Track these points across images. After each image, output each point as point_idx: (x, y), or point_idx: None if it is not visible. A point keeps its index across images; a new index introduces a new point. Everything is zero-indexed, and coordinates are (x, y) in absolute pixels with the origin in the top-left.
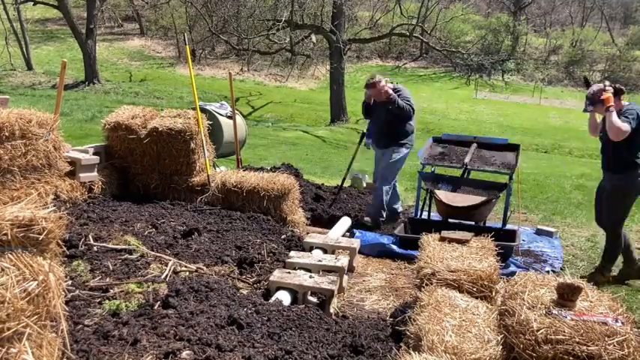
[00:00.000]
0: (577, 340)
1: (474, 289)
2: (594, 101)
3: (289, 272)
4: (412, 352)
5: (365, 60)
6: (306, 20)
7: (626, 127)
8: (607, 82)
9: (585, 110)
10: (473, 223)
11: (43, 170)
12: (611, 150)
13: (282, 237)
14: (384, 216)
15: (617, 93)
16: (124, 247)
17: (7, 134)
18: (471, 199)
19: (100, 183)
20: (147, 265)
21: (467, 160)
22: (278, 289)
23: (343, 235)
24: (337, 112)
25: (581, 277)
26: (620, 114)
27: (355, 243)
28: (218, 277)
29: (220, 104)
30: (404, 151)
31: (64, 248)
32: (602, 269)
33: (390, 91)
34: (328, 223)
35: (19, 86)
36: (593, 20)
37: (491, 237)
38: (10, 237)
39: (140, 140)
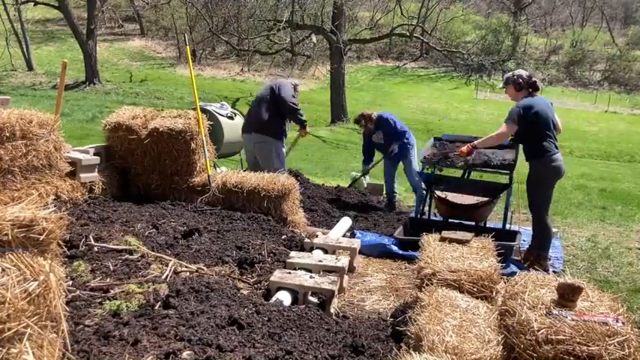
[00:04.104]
0: (578, 340)
1: (475, 290)
2: (506, 82)
3: (290, 272)
4: (413, 353)
5: (365, 60)
6: (307, 20)
7: (500, 133)
8: (521, 71)
9: (501, 88)
10: (473, 223)
11: (43, 171)
12: (521, 141)
13: (283, 237)
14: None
15: (531, 86)
16: (124, 247)
17: (7, 135)
18: (472, 199)
19: (101, 183)
20: (147, 266)
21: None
22: (278, 289)
23: (344, 236)
24: (337, 112)
25: (523, 261)
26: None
27: (356, 243)
28: (218, 278)
29: (221, 104)
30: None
31: (65, 248)
32: (539, 258)
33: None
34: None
35: (19, 87)
36: (594, 20)
37: (491, 237)
38: (10, 237)
39: (141, 141)
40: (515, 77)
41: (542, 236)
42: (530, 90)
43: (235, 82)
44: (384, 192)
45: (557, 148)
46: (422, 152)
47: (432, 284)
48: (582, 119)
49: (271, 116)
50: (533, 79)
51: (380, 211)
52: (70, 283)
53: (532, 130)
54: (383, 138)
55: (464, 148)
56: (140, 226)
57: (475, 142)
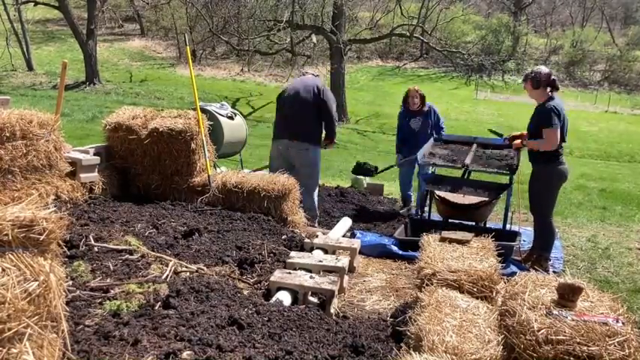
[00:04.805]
0: (578, 340)
1: (475, 290)
2: (525, 79)
3: (290, 272)
4: (413, 353)
5: (365, 60)
6: (307, 21)
7: (553, 139)
8: (541, 68)
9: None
10: (473, 223)
11: (43, 171)
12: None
13: (283, 237)
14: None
15: (551, 85)
16: (124, 247)
17: (7, 135)
18: (472, 199)
19: (101, 183)
20: (147, 266)
21: (467, 160)
22: (278, 289)
23: (344, 236)
24: (337, 112)
25: (524, 261)
26: (541, 112)
27: (356, 243)
28: (219, 278)
29: (221, 104)
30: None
31: (65, 249)
32: (540, 259)
33: None
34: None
35: (19, 87)
36: (594, 20)
37: (491, 237)
38: (11, 237)
39: (141, 141)
40: (534, 74)
41: (546, 237)
42: (549, 89)
43: (235, 82)
44: (388, 193)
45: (563, 152)
46: (421, 152)
47: (432, 284)
48: (582, 119)
49: (315, 121)
50: (552, 77)
51: (388, 213)
52: (70, 283)
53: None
54: (420, 126)
55: (517, 143)
56: (140, 226)
57: (527, 141)
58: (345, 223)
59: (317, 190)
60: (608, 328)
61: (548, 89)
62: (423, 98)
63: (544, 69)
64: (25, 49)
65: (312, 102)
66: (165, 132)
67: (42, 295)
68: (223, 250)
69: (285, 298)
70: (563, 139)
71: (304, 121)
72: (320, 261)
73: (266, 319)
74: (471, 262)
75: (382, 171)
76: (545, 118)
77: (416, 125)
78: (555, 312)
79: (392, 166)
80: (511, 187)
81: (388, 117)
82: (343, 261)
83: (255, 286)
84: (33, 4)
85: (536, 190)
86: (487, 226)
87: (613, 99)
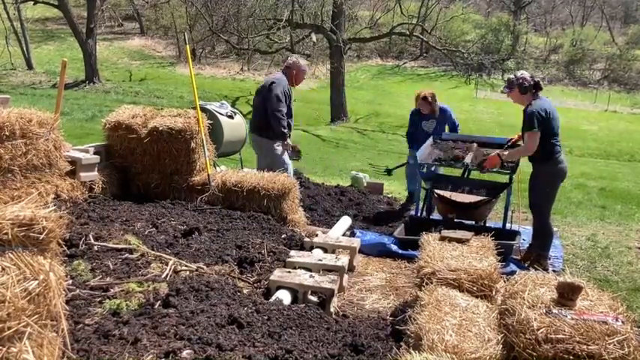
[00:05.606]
0: (577, 339)
1: (474, 289)
2: (510, 86)
3: (289, 271)
4: (412, 351)
5: (365, 59)
6: (307, 19)
7: (531, 144)
8: (523, 73)
9: (502, 92)
10: (473, 222)
11: (43, 170)
12: None
13: (283, 236)
14: None
15: (536, 87)
16: (124, 246)
17: (7, 134)
18: (472, 198)
19: (101, 182)
20: (147, 265)
21: (467, 160)
22: (278, 288)
23: (343, 235)
24: (337, 111)
25: (523, 260)
26: (525, 116)
27: (355, 242)
28: (218, 277)
29: (220, 104)
30: None
31: (65, 247)
32: (539, 257)
33: None
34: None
35: (19, 86)
36: (594, 19)
37: (491, 236)
38: (10, 236)
39: (140, 140)
40: (520, 80)
41: (544, 236)
42: (534, 91)
43: (235, 81)
44: (388, 192)
45: (561, 149)
46: (421, 151)
47: (432, 283)
48: (582, 118)
49: (263, 115)
50: (536, 79)
51: (387, 212)
52: (70, 282)
53: (546, 133)
54: (434, 128)
55: (492, 159)
56: (140, 225)
57: (504, 154)
58: (345, 222)
59: None
60: (607, 327)
61: (533, 91)
62: (431, 103)
63: (526, 73)
64: (24, 48)
65: (262, 97)
66: (165, 131)
67: (42, 294)
68: (223, 249)
69: (284, 297)
70: (555, 135)
71: (257, 116)
72: (320, 260)
73: (266, 318)
74: (471, 261)
75: (395, 169)
76: (527, 121)
77: (428, 127)
78: (555, 311)
79: (404, 164)
80: (511, 186)
81: (388, 116)
82: (343, 260)
83: (255, 285)
84: (32, 2)
85: (534, 189)
86: (487, 225)
87: (613, 98)
